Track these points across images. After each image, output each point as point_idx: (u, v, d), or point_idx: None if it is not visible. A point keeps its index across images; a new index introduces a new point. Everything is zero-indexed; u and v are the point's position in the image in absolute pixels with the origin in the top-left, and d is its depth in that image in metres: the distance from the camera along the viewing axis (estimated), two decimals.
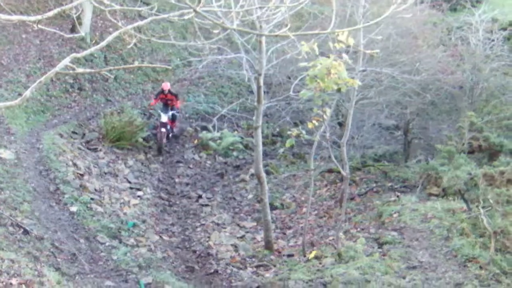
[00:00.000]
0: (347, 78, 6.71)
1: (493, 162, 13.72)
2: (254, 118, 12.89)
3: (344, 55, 6.61)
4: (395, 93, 16.32)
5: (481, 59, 17.53)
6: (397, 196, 14.67)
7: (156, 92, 20.65)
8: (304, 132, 10.64)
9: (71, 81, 19.99)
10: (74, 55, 5.47)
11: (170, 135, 20.39)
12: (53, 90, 19.20)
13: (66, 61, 5.23)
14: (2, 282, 6.14)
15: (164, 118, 19.49)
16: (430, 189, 14.91)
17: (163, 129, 19.40)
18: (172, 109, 20.08)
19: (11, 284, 6.03)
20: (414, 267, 10.63)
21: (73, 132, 17.39)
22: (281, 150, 20.24)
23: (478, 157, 15.20)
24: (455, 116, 17.97)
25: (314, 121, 10.16)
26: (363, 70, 13.88)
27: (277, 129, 21.63)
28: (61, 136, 16.38)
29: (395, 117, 18.97)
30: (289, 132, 10.81)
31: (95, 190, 14.25)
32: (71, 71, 5.61)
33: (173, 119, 20.39)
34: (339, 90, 6.80)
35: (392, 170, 17.25)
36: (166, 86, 20.00)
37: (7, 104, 5.70)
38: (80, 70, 5.68)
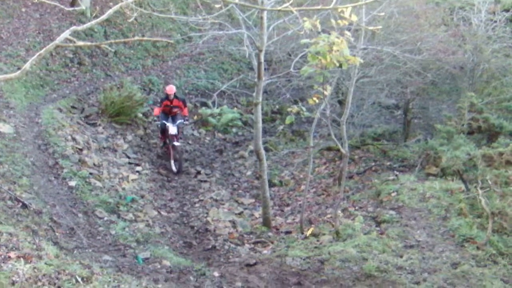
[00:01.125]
0: (349, 56, 6.66)
1: (492, 144, 13.71)
2: (254, 94, 12.84)
3: (347, 32, 6.56)
4: (396, 72, 16.25)
5: (482, 40, 17.41)
6: (396, 175, 14.67)
7: (160, 99, 18.43)
8: (304, 109, 10.60)
9: (71, 55, 19.87)
10: (74, 28, 5.42)
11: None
12: (53, 64, 19.09)
13: (66, 34, 5.19)
14: (1, 255, 6.15)
15: (174, 130, 16.98)
16: (428, 168, 14.92)
17: (176, 143, 16.80)
18: (177, 118, 17.50)
19: (9, 257, 6.03)
20: (411, 246, 10.65)
21: (72, 107, 17.33)
22: (281, 127, 20.24)
23: (477, 138, 15.20)
24: (455, 96, 17.91)
25: (314, 98, 10.13)
26: (364, 48, 13.79)
27: (277, 107, 21.59)
28: (60, 110, 16.33)
29: (395, 96, 18.91)
30: (289, 109, 10.75)
31: (94, 165, 14.23)
32: (71, 44, 5.56)
33: (178, 131, 17.48)
34: (341, 66, 6.74)
35: (391, 149, 17.25)
36: (171, 90, 17.32)
37: (7, 76, 5.66)
38: (80, 43, 5.65)
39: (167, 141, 17.39)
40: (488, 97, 16.44)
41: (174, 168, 16.80)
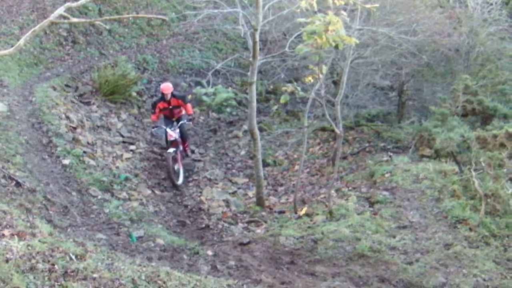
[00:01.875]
0: (344, 36, 6.66)
1: (486, 126, 13.75)
2: (248, 74, 12.80)
3: (343, 12, 6.55)
4: (391, 53, 16.23)
5: (478, 22, 17.39)
6: (390, 156, 14.70)
7: (153, 101, 16.08)
8: (299, 88, 10.60)
9: (65, 34, 19.76)
10: (68, 4, 5.40)
11: (183, 158, 15.48)
12: (47, 43, 18.99)
13: (61, 10, 5.16)
14: None
15: (173, 134, 14.73)
16: (422, 150, 14.96)
17: (171, 150, 14.48)
18: (178, 120, 15.30)
19: (3, 235, 6.04)
20: (404, 227, 10.70)
21: (66, 85, 17.25)
22: (275, 107, 20.23)
23: (471, 120, 15.24)
24: (450, 79, 17.92)
25: (309, 78, 10.12)
26: (360, 29, 13.77)
27: (271, 87, 21.53)
28: (54, 89, 16.25)
29: (390, 77, 18.88)
30: (283, 88, 10.75)
31: (88, 143, 14.20)
32: (65, 21, 5.54)
33: (183, 135, 15.34)
34: (336, 47, 6.74)
35: (385, 131, 17.27)
36: (168, 88, 14.93)
37: (1, 53, 5.64)
38: (74, 19, 5.62)
39: (170, 151, 14.56)
40: (482, 80, 16.44)
41: (176, 180, 14.42)
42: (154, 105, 15.11)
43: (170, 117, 15.27)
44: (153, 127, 15.23)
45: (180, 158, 14.99)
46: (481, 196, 10.73)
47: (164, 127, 14.98)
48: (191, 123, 16.45)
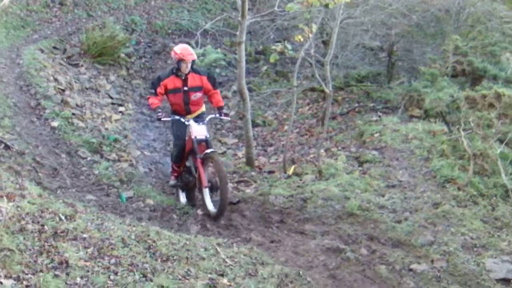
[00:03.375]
0: None
1: (476, 87, 13.77)
2: (237, 33, 12.71)
3: None
4: (381, 13, 16.17)
5: None
6: (379, 117, 14.74)
7: (156, 77, 10.04)
8: (289, 47, 10.56)
9: None
10: None
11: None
12: (33, 4, 18.82)
13: None
14: None
15: (201, 130, 9.28)
16: (411, 110, 15.00)
17: (209, 151, 9.06)
18: (203, 118, 9.71)
19: None
20: (393, 186, 10.74)
21: (54, 48, 17.11)
22: (264, 68, 20.17)
23: (461, 81, 15.27)
24: (440, 39, 17.90)
25: (299, 36, 10.09)
26: None
27: (261, 47, 21.44)
28: (42, 51, 16.13)
29: (379, 38, 18.85)
30: (273, 47, 10.70)
31: (77, 105, 14.12)
32: None
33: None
34: (327, 5, 6.70)
35: (375, 91, 17.29)
36: (189, 53, 9.25)
37: None
38: None
39: (190, 160, 9.93)
40: (472, 41, 16.42)
41: (212, 207, 9.11)
42: (156, 83, 9.51)
43: (183, 110, 9.73)
44: (158, 112, 9.32)
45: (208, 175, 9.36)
46: (469, 156, 10.77)
47: (182, 119, 9.48)
48: (229, 118, 10.84)
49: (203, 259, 6.10)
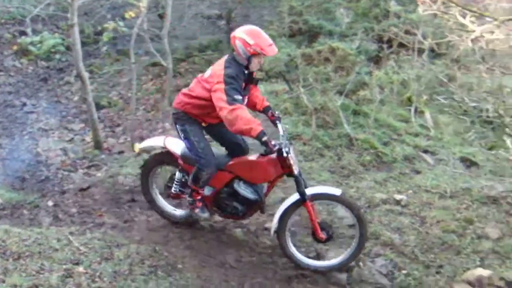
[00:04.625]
0: None
1: (313, 44, 14.24)
2: (69, 15, 12.41)
3: None
4: None
5: None
6: None
7: (231, 72, 6.36)
8: (122, 24, 10.51)
9: None
10: None
11: None
12: None
13: None
14: None
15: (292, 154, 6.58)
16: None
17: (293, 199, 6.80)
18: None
19: None
20: None
21: None
22: (104, 48, 19.82)
23: (298, 40, 15.65)
24: (275, 1, 18.25)
25: (130, 13, 10.07)
26: None
27: (99, 28, 21.01)
28: None
29: (217, 6, 18.99)
30: (105, 26, 10.62)
31: None
32: None
33: None
34: None
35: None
36: (267, 45, 6.49)
37: None
38: None
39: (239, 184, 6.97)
40: (308, 0, 16.85)
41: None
42: (239, 85, 6.36)
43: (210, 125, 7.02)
44: (266, 139, 6.16)
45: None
46: (311, 110, 11.16)
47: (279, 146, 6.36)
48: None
49: (56, 250, 6.09)
